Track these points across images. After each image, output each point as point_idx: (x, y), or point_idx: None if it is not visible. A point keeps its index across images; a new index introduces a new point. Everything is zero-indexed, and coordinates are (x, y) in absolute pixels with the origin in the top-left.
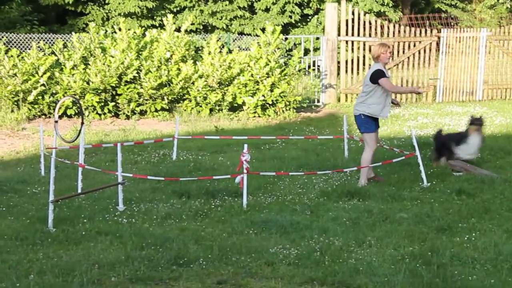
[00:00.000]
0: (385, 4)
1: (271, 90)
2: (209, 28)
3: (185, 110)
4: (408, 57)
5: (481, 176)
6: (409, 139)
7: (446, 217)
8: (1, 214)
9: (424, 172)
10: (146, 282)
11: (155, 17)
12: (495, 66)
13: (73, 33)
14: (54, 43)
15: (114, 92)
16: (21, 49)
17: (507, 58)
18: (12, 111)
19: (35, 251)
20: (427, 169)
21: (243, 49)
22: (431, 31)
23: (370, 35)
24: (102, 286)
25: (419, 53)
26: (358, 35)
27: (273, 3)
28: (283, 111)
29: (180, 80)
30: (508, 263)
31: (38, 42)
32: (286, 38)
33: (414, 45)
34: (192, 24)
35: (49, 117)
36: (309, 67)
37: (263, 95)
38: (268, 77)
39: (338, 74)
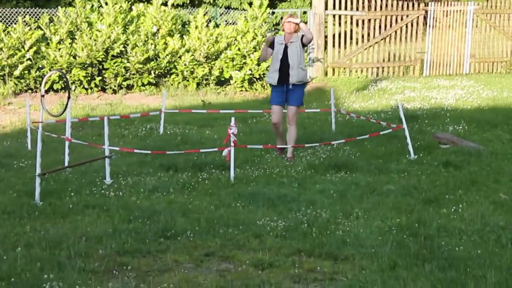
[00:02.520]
0: None
1: (258, 64)
2: (196, 2)
3: (172, 84)
4: (395, 31)
5: (468, 148)
6: (396, 112)
7: (433, 189)
8: None
9: (411, 145)
10: (133, 254)
11: None
12: (482, 40)
13: (59, 7)
14: (40, 17)
15: (100, 67)
16: (7, 23)
17: (494, 32)
18: None
19: (22, 224)
20: (414, 142)
21: (230, 23)
22: (418, 5)
23: (357, 9)
24: (89, 258)
25: (406, 27)
26: (346, 8)
27: None
28: None
29: (167, 55)
30: (494, 234)
31: (24, 17)
32: (273, 12)
33: (402, 19)
34: None
35: (36, 91)
36: None
37: (250, 69)
38: (255, 51)
39: (326, 48)
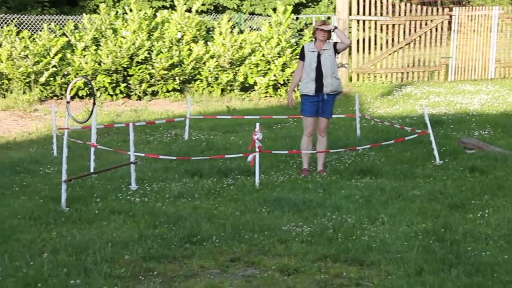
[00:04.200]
0: None
1: (283, 70)
2: (220, 8)
3: (196, 90)
4: (420, 36)
5: (494, 153)
6: (421, 118)
7: (459, 194)
8: (15, 194)
9: (437, 150)
10: (159, 260)
11: None
12: (507, 44)
13: (84, 14)
14: (65, 24)
15: (125, 73)
16: (33, 30)
17: None
18: (24, 92)
19: (49, 230)
20: (440, 147)
21: (254, 29)
22: (443, 10)
23: (381, 14)
24: (115, 264)
25: (431, 31)
26: (370, 14)
27: None
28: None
29: (192, 61)
30: None
31: (49, 24)
32: (297, 18)
33: (426, 24)
34: (203, 4)
35: (61, 98)
36: None
37: (275, 75)
38: (279, 57)
39: (350, 53)
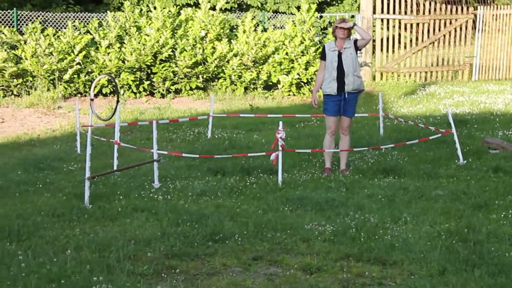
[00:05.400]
0: None
1: (306, 69)
2: (244, 6)
3: (220, 88)
4: (444, 35)
5: None
6: (445, 117)
7: (482, 195)
8: (38, 191)
9: (460, 150)
10: (181, 257)
11: None
12: None
13: (108, 12)
14: (89, 22)
15: (149, 71)
16: (57, 28)
17: None
18: (48, 89)
19: (72, 227)
20: (463, 147)
21: (278, 27)
22: (468, 9)
23: (405, 13)
24: (138, 261)
25: (455, 31)
26: (394, 13)
27: None
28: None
29: (215, 59)
30: None
31: (74, 21)
32: (321, 16)
33: (450, 23)
34: (227, 2)
35: (85, 95)
36: None
37: (298, 74)
38: (303, 55)
39: (373, 52)
